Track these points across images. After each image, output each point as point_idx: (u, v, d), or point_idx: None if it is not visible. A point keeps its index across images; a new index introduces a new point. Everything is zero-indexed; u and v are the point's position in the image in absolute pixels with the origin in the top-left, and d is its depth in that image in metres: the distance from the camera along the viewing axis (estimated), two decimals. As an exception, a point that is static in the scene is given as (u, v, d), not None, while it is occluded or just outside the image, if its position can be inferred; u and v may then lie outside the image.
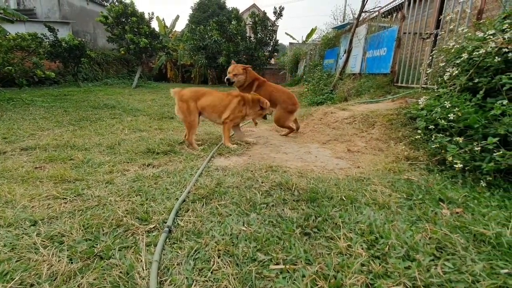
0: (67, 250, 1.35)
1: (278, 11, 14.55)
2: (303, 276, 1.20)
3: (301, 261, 1.29)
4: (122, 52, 13.18)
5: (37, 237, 1.46)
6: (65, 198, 1.93)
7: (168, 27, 21.71)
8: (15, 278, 1.18)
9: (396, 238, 1.46)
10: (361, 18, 8.27)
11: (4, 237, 1.47)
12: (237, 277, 1.21)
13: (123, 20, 12.91)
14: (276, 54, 17.59)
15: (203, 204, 1.86)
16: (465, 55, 2.84)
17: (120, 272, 1.21)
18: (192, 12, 27.74)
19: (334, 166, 2.77)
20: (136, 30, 12.88)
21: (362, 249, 1.39)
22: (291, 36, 23.90)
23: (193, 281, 1.19)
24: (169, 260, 1.31)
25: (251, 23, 14.95)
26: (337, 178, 2.36)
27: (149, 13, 13.93)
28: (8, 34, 7.81)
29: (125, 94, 10.15)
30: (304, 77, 12.94)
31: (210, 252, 1.37)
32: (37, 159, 2.79)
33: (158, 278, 1.19)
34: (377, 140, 3.42)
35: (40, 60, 8.26)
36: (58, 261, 1.28)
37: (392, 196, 1.99)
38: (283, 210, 1.79)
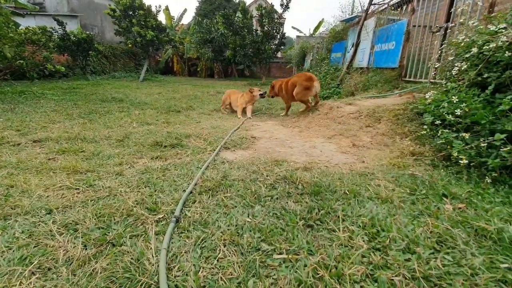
0: (82, 237, 1.43)
1: (285, 3, 14.36)
2: (305, 265, 1.25)
3: (304, 252, 1.34)
4: (130, 45, 13.27)
5: (53, 224, 1.54)
6: (78, 189, 2.01)
7: (175, 20, 21.70)
8: (33, 262, 1.26)
9: (397, 231, 1.49)
10: (370, 11, 8.13)
11: (22, 224, 1.56)
12: (241, 265, 1.26)
13: (131, 13, 12.96)
14: (283, 47, 17.43)
15: (209, 196, 1.92)
16: (475, 49, 2.80)
17: (131, 259, 1.27)
18: (198, 4, 27.56)
19: (339, 160, 2.80)
20: (143, 23, 12.93)
21: (363, 241, 1.42)
22: (298, 30, 23.58)
23: (200, 268, 1.25)
24: (177, 248, 1.37)
25: (257, 15, 14.81)
26: (341, 173, 2.39)
27: (156, 6, 13.97)
28: (19, 27, 7.95)
29: (133, 88, 10.26)
30: (310, 70, 12.83)
31: (216, 242, 1.43)
32: (50, 151, 2.88)
33: (167, 264, 1.25)
34: (382, 135, 3.42)
35: (50, 54, 8.39)
36: (73, 247, 1.36)
37: (395, 191, 2.01)
38: (287, 202, 1.83)
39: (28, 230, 1.50)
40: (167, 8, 20.13)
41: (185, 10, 23.04)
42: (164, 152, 2.95)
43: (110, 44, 17.49)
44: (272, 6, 15.31)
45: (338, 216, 1.64)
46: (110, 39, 18.88)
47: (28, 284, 1.15)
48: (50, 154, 2.77)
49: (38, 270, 1.23)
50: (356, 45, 8.44)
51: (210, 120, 5.05)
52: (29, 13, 11.69)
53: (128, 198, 1.84)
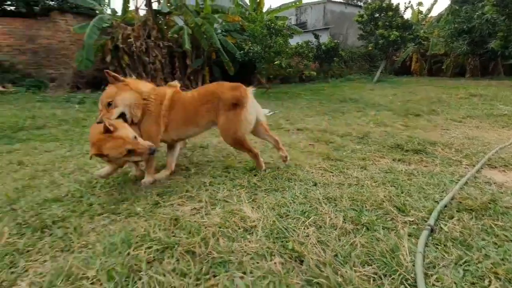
0: (341, 212, 1.74)
1: None
2: None
3: None
4: (370, 48, 13.63)
5: (319, 194, 1.99)
6: (332, 172, 2.45)
7: (423, 13, 19.38)
8: (310, 217, 1.72)
9: None
10: None
11: (299, 188, 2.15)
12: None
13: (377, 15, 13.19)
14: None
15: (472, 217, 1.64)
16: None
17: (386, 247, 1.39)
18: (458, -11, 22.66)
19: None
20: (388, 24, 12.74)
21: None
22: None
23: (463, 290, 1.13)
24: (434, 258, 1.31)
25: None
26: None
27: (405, 3, 13.25)
28: (289, 44, 10.67)
29: (366, 89, 10.56)
30: None
31: (485, 271, 1.21)
32: (308, 138, 3.70)
33: (424, 268, 1.24)
34: None
35: (308, 62, 10.56)
36: (335, 217, 1.70)
37: None
38: None
39: (303, 193, 2.05)
40: (420, 4, 18.31)
41: (435, 1, 19.91)
42: (406, 156, 2.85)
43: (350, 49, 18.91)
44: None
45: None
46: (351, 44, 20.40)
47: (307, 233, 1.58)
48: (309, 141, 3.56)
49: (313, 224, 1.66)
50: None
51: (462, 128, 4.16)
52: (296, 33, 15.29)
53: (376, 192, 1.98)
